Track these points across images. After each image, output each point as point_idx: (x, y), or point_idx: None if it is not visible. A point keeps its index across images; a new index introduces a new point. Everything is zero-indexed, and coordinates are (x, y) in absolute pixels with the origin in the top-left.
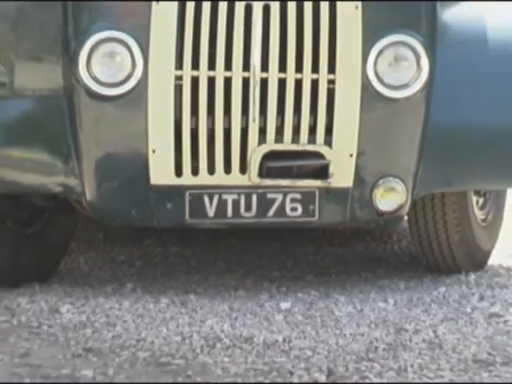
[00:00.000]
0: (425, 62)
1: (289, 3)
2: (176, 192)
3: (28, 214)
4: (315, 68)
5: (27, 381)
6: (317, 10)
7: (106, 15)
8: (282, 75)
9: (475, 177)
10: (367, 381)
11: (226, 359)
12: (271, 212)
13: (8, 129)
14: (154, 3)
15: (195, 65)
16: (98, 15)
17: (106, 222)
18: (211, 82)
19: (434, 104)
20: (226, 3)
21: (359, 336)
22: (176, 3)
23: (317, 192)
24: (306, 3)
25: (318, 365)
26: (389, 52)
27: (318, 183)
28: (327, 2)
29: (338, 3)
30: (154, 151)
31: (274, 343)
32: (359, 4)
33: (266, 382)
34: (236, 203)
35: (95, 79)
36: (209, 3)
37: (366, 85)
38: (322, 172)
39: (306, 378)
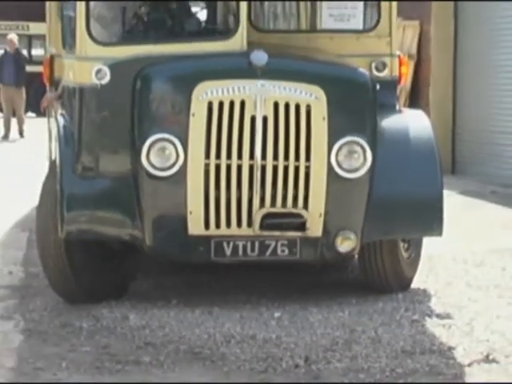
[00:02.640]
0: (369, 154)
1: (280, 115)
2: (205, 239)
3: (109, 253)
4: (297, 158)
5: (106, 364)
6: (298, 120)
7: (158, 123)
8: (275, 162)
9: (400, 230)
10: (331, 365)
11: (238, 350)
12: (268, 253)
13: (95, 198)
14: (191, 116)
15: (218, 156)
16: (154, 123)
17: (159, 259)
18: (228, 167)
19: (375, 182)
20: (238, 115)
21: (326, 335)
22: (205, 116)
23: (298, 240)
24: (291, 116)
25: (298, 354)
26: (345, 148)
27: (298, 234)
28: (304, 115)
29: (312, 116)
30: (191, 212)
31: (269, 340)
32: (325, 116)
33: (264, 365)
34: (245, 247)
35: (152, 166)
36: (227, 116)
37: (330, 169)
38: (301, 226)
39: (290, 363)
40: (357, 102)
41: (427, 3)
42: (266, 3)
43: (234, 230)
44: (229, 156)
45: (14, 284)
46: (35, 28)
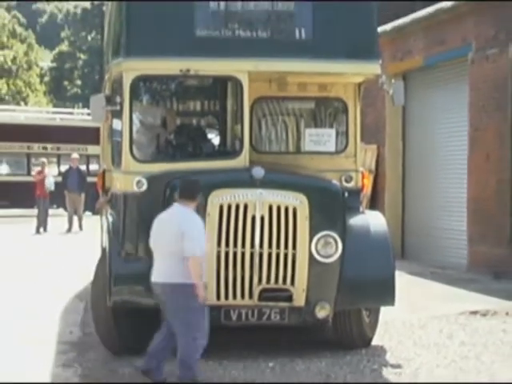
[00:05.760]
0: (340, 245)
1: (273, 215)
2: (216, 307)
3: (145, 317)
4: (286, 247)
5: None
6: (287, 219)
7: None
8: (270, 250)
9: (363, 301)
10: None
11: None
12: (264, 318)
13: (135, 276)
14: (207, 215)
15: (227, 245)
16: None
17: None
18: (235, 253)
19: (344, 265)
20: (242, 215)
21: (308, 380)
22: (217, 215)
23: (286, 308)
24: (281, 216)
25: None
26: (322, 239)
27: (287, 304)
28: (292, 215)
29: (297, 216)
30: (206, 287)
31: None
32: (308, 216)
33: None
34: (247, 313)
35: None
36: (233, 215)
37: (311, 255)
38: (289, 298)
39: None
40: (331, 206)
41: (383, 134)
42: (264, 131)
43: (238, 300)
44: (235, 245)
45: (74, 341)
46: (92, 149)
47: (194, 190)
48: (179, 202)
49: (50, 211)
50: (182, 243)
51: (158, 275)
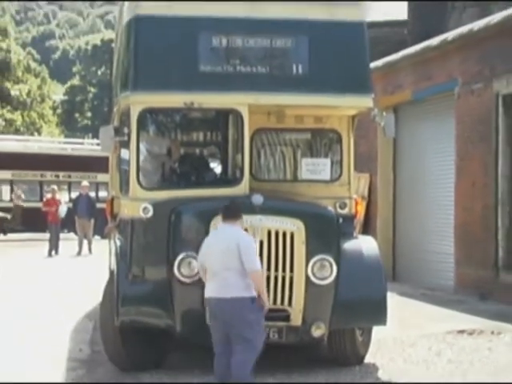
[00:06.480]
0: (334, 268)
1: (272, 240)
2: None
3: (151, 336)
4: (284, 270)
5: None
6: (285, 243)
7: (186, 245)
8: (269, 273)
9: (357, 321)
10: None
11: None
12: None
13: (141, 297)
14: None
15: None
16: (183, 244)
17: (186, 341)
18: None
19: (339, 287)
20: None
21: None
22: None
23: (284, 328)
24: (279, 240)
25: None
26: (318, 263)
27: (284, 324)
28: (289, 240)
29: (295, 240)
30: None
31: None
32: (304, 240)
33: None
34: None
35: (182, 274)
36: None
37: (307, 278)
38: (287, 318)
39: None
40: (326, 231)
41: (375, 163)
42: (263, 160)
43: None
44: None
45: (83, 358)
46: (101, 177)
47: (237, 210)
48: (225, 222)
49: (62, 235)
50: (239, 259)
51: (214, 291)
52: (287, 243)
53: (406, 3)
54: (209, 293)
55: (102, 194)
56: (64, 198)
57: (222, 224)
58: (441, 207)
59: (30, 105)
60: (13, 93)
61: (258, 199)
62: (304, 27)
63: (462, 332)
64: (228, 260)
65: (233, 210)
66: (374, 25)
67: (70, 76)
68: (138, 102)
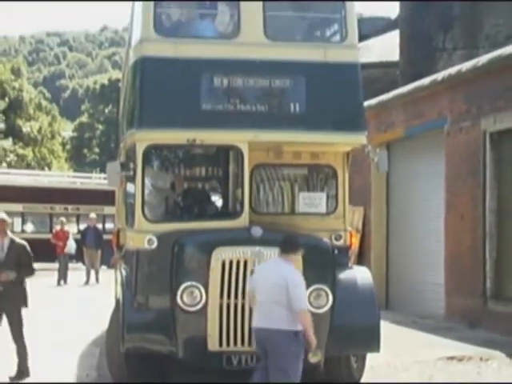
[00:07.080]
0: (330, 297)
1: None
2: (219, 353)
3: (154, 361)
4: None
5: None
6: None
7: (189, 275)
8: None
9: (351, 348)
10: None
11: None
12: None
13: (146, 324)
14: (211, 271)
15: (228, 297)
16: (185, 275)
17: (188, 366)
18: (235, 305)
19: (334, 315)
20: (242, 270)
21: None
22: (220, 270)
23: None
24: None
25: None
26: (314, 292)
27: None
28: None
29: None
30: (210, 335)
31: None
32: (301, 270)
33: None
34: (246, 359)
35: (184, 303)
36: (235, 270)
37: None
38: None
39: None
40: (322, 262)
41: (368, 197)
42: (262, 194)
43: (238, 347)
44: (236, 297)
45: (90, 382)
46: (108, 210)
47: (295, 245)
48: (281, 256)
49: (70, 265)
50: (286, 295)
51: (261, 321)
52: None
53: (397, 44)
54: (255, 323)
55: (109, 225)
56: (72, 229)
57: (278, 257)
58: (431, 239)
59: (41, 141)
60: (24, 129)
61: (257, 231)
62: (301, 68)
63: (452, 358)
64: (276, 294)
65: (290, 245)
66: (367, 66)
67: (78, 114)
68: (143, 138)
